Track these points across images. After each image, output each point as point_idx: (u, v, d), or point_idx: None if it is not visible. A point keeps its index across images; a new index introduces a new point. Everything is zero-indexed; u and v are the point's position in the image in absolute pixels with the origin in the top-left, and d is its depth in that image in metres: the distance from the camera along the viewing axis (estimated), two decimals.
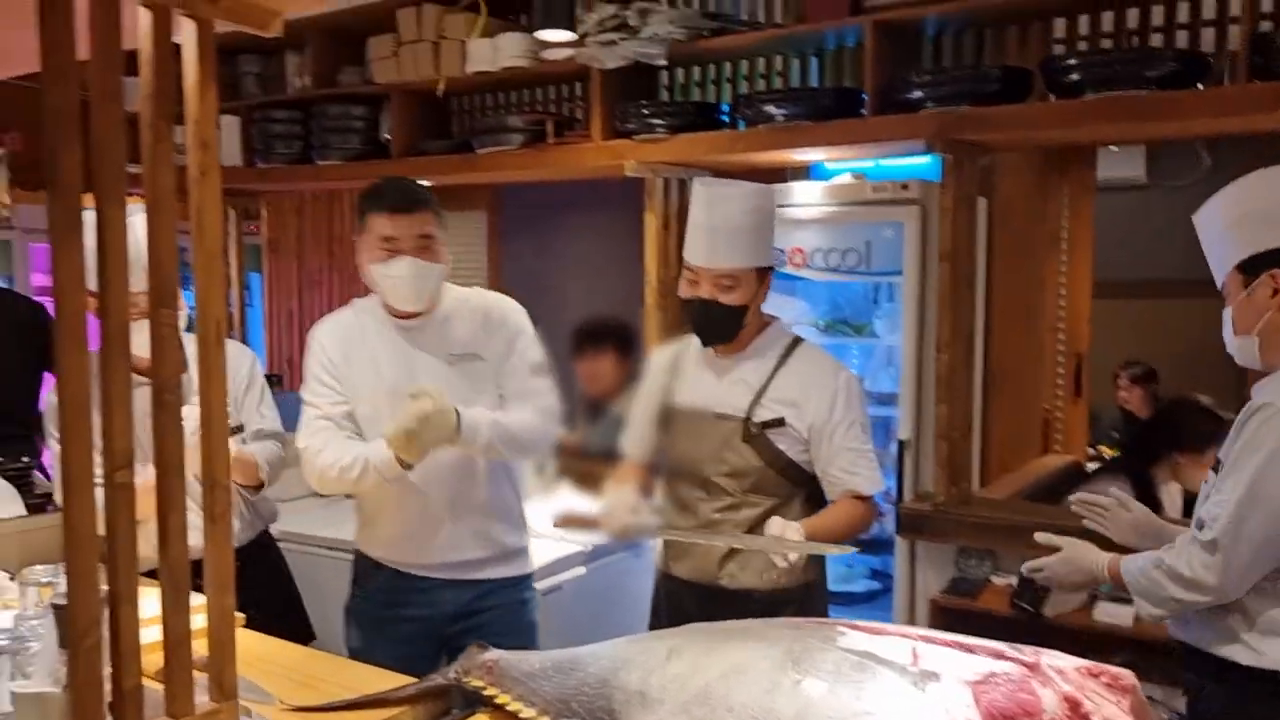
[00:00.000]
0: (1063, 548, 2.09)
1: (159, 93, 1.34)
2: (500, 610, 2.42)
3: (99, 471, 1.26)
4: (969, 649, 1.34)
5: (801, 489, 2.33)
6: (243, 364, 2.64)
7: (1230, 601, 1.86)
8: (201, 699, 1.43)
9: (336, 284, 5.53)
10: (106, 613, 1.31)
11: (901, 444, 3.28)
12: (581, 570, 3.19)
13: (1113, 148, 5.02)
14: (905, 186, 3.20)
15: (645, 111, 3.60)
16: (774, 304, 2.44)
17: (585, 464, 3.78)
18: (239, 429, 2.52)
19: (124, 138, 1.31)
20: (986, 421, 3.38)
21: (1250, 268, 1.91)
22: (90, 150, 1.27)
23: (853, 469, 2.27)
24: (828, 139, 3.24)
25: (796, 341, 2.38)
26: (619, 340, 3.88)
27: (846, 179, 3.48)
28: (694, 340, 2.40)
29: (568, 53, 3.70)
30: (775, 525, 2.13)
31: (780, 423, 2.27)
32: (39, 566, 1.68)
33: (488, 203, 4.90)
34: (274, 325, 5.91)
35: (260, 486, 2.59)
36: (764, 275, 2.30)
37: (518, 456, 2.44)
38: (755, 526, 2.26)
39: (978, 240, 3.29)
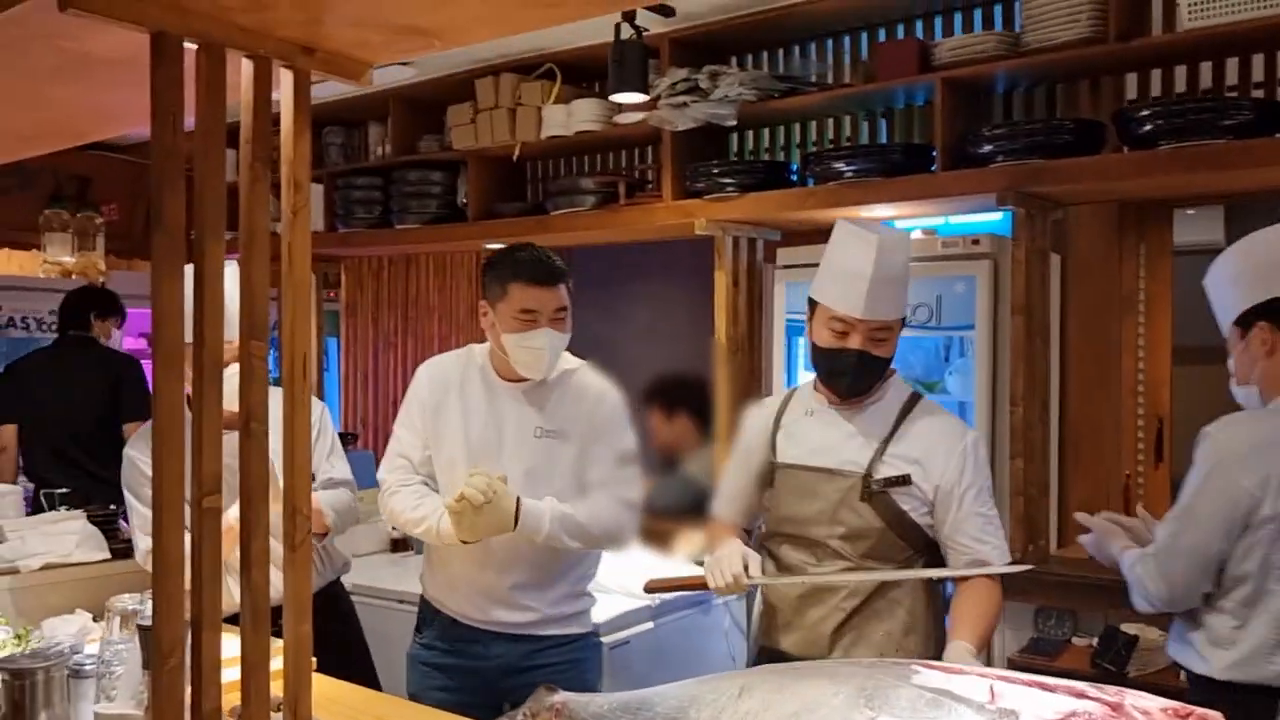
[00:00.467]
0: (1094, 530, 2.29)
1: (257, 136, 1.42)
2: (558, 668, 2.36)
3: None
4: (1049, 688, 1.30)
5: (921, 555, 2.15)
6: (311, 412, 2.67)
7: (1182, 610, 2.09)
8: None
9: (411, 346, 5.65)
10: (189, 638, 1.35)
11: None
12: (649, 625, 3.17)
13: (1189, 210, 4.93)
14: (976, 241, 3.19)
15: (715, 171, 3.66)
16: None
17: (654, 522, 3.79)
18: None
19: (224, 181, 1.39)
20: (1064, 482, 3.30)
21: (1244, 321, 2.13)
22: (193, 192, 1.34)
23: (982, 537, 2.09)
24: (898, 194, 3.25)
25: (916, 396, 2.23)
26: (692, 398, 3.90)
27: (917, 235, 3.48)
28: (801, 393, 2.30)
29: (640, 116, 3.79)
30: (955, 652, 1.90)
31: (905, 480, 2.10)
32: (125, 595, 1.73)
33: None
34: (350, 386, 6.04)
35: (326, 533, 2.60)
36: (901, 325, 2.20)
37: (588, 548, 2.38)
38: (872, 596, 2.11)
39: (1051, 296, 3.25)
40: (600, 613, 3.07)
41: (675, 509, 3.83)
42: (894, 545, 2.12)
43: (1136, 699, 1.26)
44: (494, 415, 2.36)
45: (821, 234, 3.72)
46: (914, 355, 3.60)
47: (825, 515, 2.14)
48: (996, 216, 3.46)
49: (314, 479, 2.53)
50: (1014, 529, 3.05)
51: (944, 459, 2.10)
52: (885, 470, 2.12)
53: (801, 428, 2.24)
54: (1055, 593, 2.91)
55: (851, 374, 2.14)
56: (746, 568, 2.06)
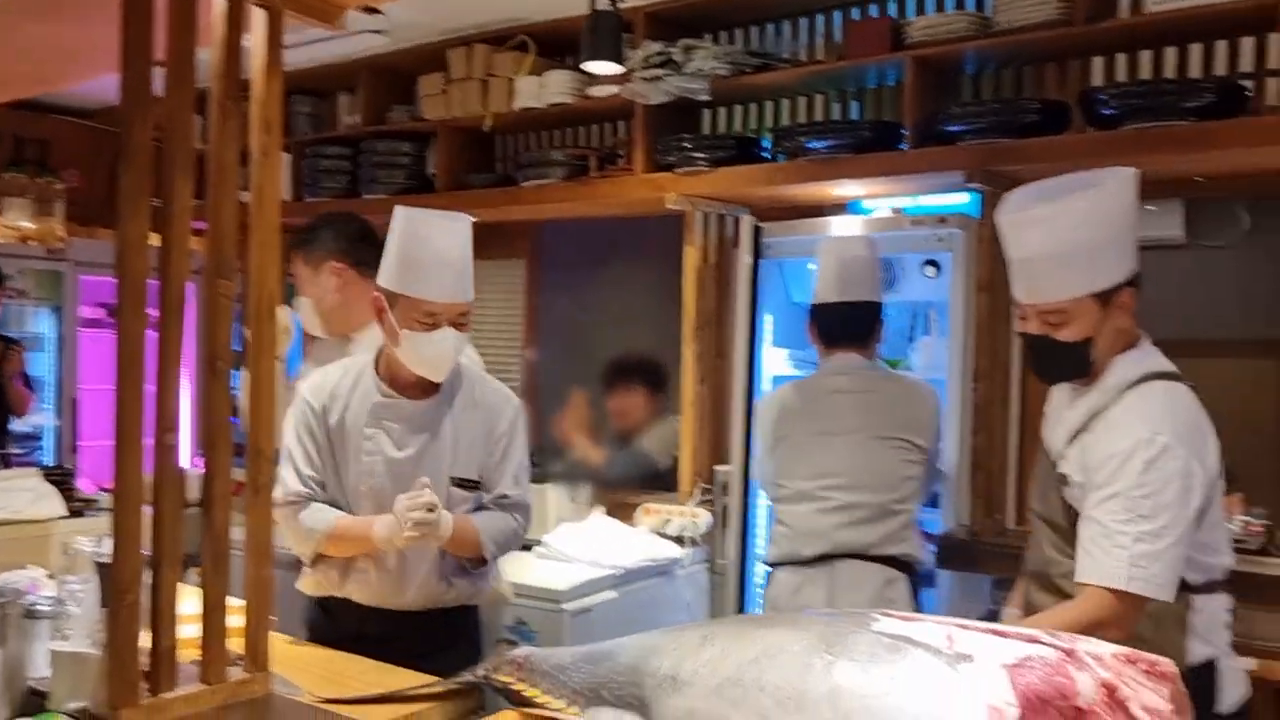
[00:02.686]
0: None
1: (228, 73, 1.41)
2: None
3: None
4: (1004, 635, 1.32)
5: None
6: (504, 414, 2.32)
7: None
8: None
9: None
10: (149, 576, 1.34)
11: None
12: (613, 594, 3.18)
13: (1150, 206, 5.01)
14: (943, 220, 3.22)
15: (687, 145, 3.66)
16: None
17: (613, 494, 3.81)
18: (476, 484, 2.27)
19: (193, 119, 1.37)
20: (1023, 458, 3.35)
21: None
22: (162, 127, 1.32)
23: (1088, 546, 1.83)
24: (867, 171, 3.27)
25: (1141, 381, 1.90)
26: (647, 377, 3.94)
27: (886, 213, 3.51)
28: None
29: (613, 89, 3.79)
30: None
31: (1067, 480, 1.92)
32: (83, 538, 1.71)
33: (526, 251, 5.00)
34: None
35: (483, 562, 2.29)
36: (1111, 297, 1.89)
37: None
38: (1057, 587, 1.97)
39: None
40: (563, 580, 3.09)
41: (631, 481, 3.87)
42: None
43: (1089, 645, 1.28)
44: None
45: (794, 211, 3.78)
46: None
47: (1039, 494, 2.05)
48: (964, 198, 3.49)
49: (480, 487, 2.29)
50: (973, 503, 3.10)
51: (1102, 454, 1.84)
52: (1065, 466, 1.94)
53: (1055, 399, 2.09)
54: (1011, 564, 2.94)
55: (1036, 360, 2.03)
56: None
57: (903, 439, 2.73)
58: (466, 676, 1.89)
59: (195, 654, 1.39)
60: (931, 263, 3.41)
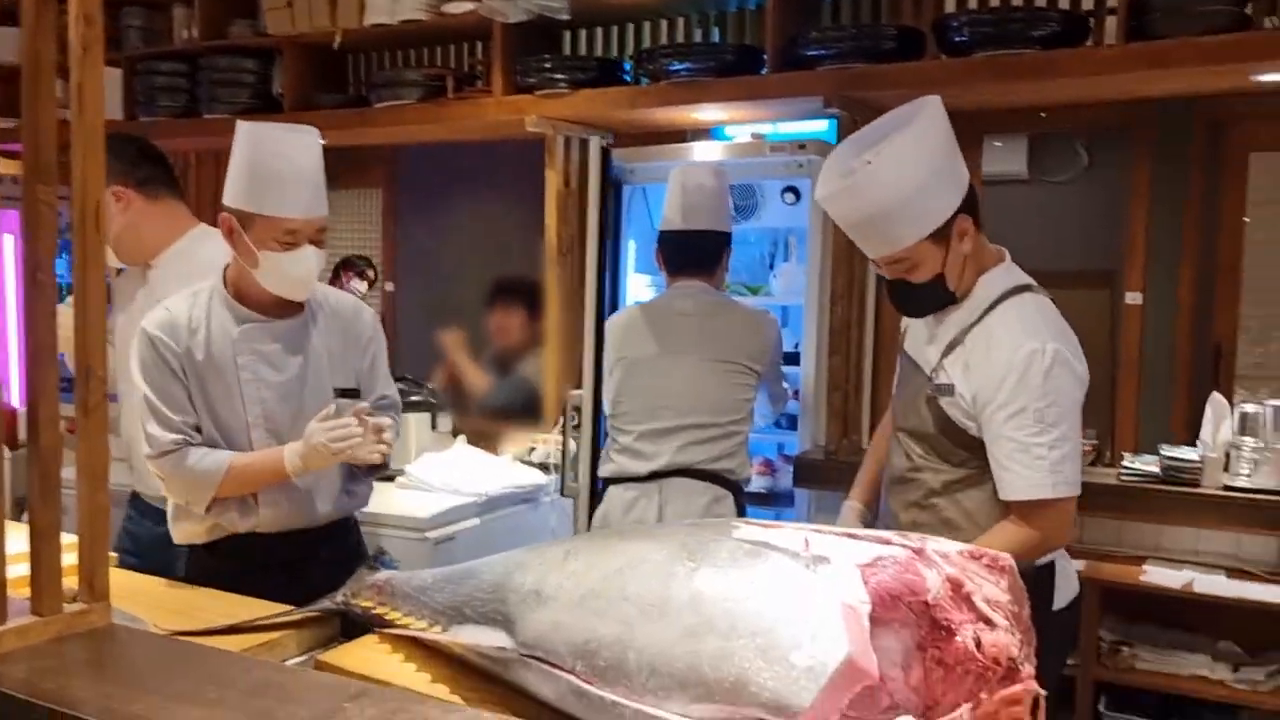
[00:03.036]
0: None
1: None
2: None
3: None
4: (857, 538, 1.37)
5: (976, 456, 1.98)
6: (363, 318, 2.31)
7: None
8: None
9: None
10: None
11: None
12: (475, 521, 3.16)
13: (997, 141, 5.22)
14: (802, 146, 3.25)
15: (547, 66, 3.58)
16: None
17: (485, 422, 3.77)
18: (357, 391, 2.22)
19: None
20: (877, 379, 3.46)
21: None
22: None
23: (1006, 463, 1.89)
24: (727, 95, 3.27)
25: (1009, 295, 1.98)
26: (529, 297, 3.89)
27: (746, 139, 3.53)
28: None
29: (469, 5, 3.66)
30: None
31: (950, 390, 1.97)
32: None
33: (383, 179, 4.84)
34: None
35: (382, 467, 2.25)
36: (947, 231, 1.92)
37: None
38: (930, 495, 2.03)
39: None
40: (426, 509, 3.06)
41: (509, 409, 3.84)
42: (949, 450, 2.00)
43: (936, 544, 1.34)
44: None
45: (656, 136, 3.75)
46: (740, 261, 3.67)
47: (909, 407, 2.07)
48: (823, 125, 3.53)
49: (360, 395, 2.22)
50: (830, 423, 3.19)
51: (989, 367, 1.91)
52: (941, 376, 1.99)
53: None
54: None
55: (899, 302, 2.09)
56: None
57: (740, 364, 2.79)
58: (324, 603, 1.85)
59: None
60: (791, 189, 3.45)
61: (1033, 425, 1.87)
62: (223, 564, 2.21)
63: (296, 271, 2.10)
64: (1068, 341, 1.94)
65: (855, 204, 1.93)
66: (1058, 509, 1.91)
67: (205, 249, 2.36)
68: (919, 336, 2.11)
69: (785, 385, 3.04)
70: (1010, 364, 1.89)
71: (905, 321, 2.19)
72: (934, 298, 1.99)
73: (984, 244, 2.02)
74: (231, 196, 2.10)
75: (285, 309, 2.18)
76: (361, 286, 4.42)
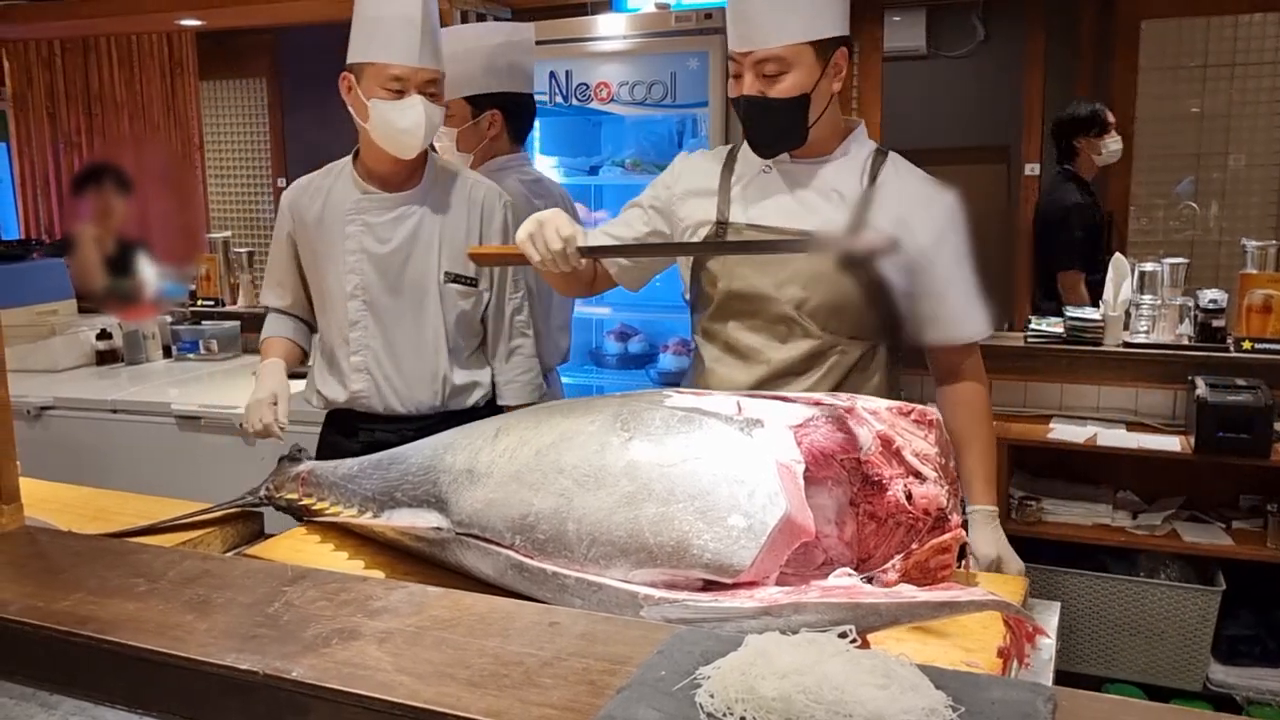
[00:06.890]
0: None
1: None
2: None
3: None
4: (789, 400, 1.38)
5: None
6: (495, 214, 2.23)
7: None
8: None
9: (98, 147, 5.07)
10: None
11: None
12: None
13: (895, 16, 5.19)
14: (708, 16, 3.17)
15: None
16: None
17: None
18: (473, 281, 2.21)
19: None
20: None
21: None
22: None
23: (966, 313, 1.82)
24: None
25: (881, 151, 1.88)
26: None
27: (650, 10, 3.42)
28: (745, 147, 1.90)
29: None
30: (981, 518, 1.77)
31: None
32: None
33: (265, 68, 4.59)
34: (28, 192, 5.37)
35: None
36: (828, 53, 1.75)
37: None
38: (845, 378, 1.84)
39: None
40: None
41: None
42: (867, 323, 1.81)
43: (866, 402, 1.36)
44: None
45: (551, 11, 3.62)
46: (648, 138, 3.61)
47: (795, 284, 1.81)
48: None
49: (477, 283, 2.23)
50: None
51: (925, 220, 1.73)
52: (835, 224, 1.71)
53: (758, 185, 1.87)
54: None
55: (749, 123, 1.83)
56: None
57: None
58: (246, 499, 1.81)
59: None
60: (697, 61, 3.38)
61: (959, 268, 1.81)
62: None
63: (403, 122, 2.05)
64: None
65: None
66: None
67: None
68: (780, 211, 1.84)
69: None
70: (927, 210, 1.77)
71: (714, 212, 1.89)
72: (790, 123, 1.77)
73: (843, 102, 1.93)
74: (349, 53, 2.11)
75: (404, 182, 2.18)
76: None
